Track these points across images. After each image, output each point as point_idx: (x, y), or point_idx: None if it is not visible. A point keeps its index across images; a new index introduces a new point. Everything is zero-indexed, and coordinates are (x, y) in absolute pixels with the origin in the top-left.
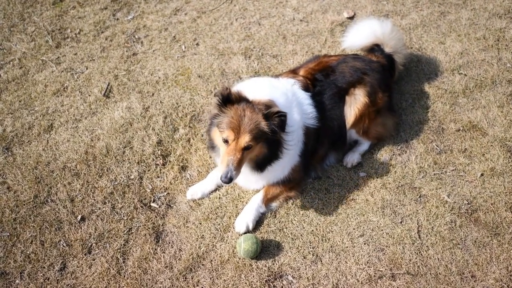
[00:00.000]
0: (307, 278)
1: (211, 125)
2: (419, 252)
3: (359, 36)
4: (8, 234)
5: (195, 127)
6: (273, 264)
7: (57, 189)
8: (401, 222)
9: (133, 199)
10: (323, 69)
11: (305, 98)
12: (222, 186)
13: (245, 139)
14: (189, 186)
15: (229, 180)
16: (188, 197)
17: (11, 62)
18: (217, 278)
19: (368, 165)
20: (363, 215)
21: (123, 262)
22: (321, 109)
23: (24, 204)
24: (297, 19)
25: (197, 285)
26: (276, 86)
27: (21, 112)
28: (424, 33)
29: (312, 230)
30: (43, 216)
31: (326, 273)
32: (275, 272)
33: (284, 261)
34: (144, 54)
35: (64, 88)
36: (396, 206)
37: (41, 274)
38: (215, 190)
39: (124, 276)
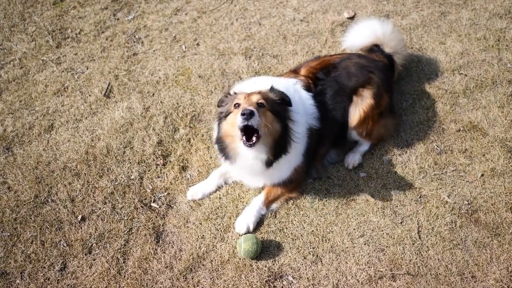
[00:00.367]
0: (307, 278)
1: (220, 120)
2: (419, 253)
3: (359, 36)
4: (8, 234)
5: (196, 127)
6: (273, 264)
7: (57, 189)
8: (401, 223)
9: (134, 199)
10: (324, 67)
11: (307, 98)
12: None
13: (256, 96)
14: (190, 186)
15: (249, 114)
16: (188, 198)
17: (12, 62)
18: (217, 278)
19: (369, 165)
20: (363, 216)
21: (124, 262)
22: (323, 109)
23: (25, 204)
24: (297, 19)
25: (197, 285)
26: (279, 83)
27: (21, 112)
28: (424, 33)
29: (312, 231)
30: (44, 216)
31: (326, 274)
32: (275, 273)
33: (284, 261)
34: (145, 54)
35: (64, 88)
36: (396, 206)
37: (42, 274)
38: (216, 190)
39: (125, 276)
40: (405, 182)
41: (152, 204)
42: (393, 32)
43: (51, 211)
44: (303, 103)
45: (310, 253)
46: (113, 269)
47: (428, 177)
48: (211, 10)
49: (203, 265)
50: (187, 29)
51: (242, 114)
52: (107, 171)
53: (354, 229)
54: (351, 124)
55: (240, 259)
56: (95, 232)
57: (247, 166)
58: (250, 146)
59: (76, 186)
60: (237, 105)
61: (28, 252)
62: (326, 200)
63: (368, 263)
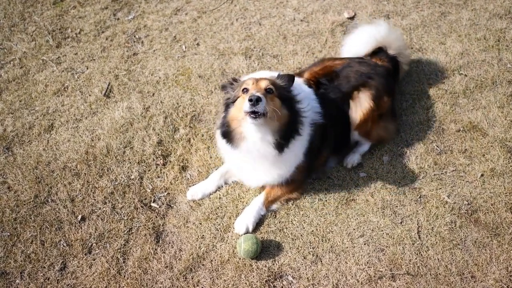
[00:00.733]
0: (307, 278)
1: (228, 106)
2: (419, 253)
3: (359, 44)
4: (8, 234)
5: (196, 127)
6: (273, 264)
7: (57, 189)
8: (401, 223)
9: (134, 199)
10: (327, 73)
11: (309, 92)
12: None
13: (265, 82)
14: (190, 186)
15: (256, 100)
16: (188, 198)
17: (12, 62)
18: (217, 278)
19: (368, 165)
20: (363, 216)
21: (123, 262)
22: (326, 106)
23: (25, 204)
24: (297, 19)
25: (197, 285)
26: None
27: (21, 112)
28: (424, 33)
29: (312, 231)
30: (44, 216)
31: (326, 274)
32: (275, 272)
33: (284, 261)
34: (145, 54)
35: (64, 88)
36: (396, 206)
37: (41, 274)
38: (216, 191)
39: (124, 276)
40: (405, 182)
41: (152, 204)
42: (394, 33)
43: (51, 211)
44: (307, 97)
45: (310, 253)
46: (113, 269)
47: (428, 177)
48: (211, 10)
49: (203, 265)
50: (187, 29)
51: (250, 100)
52: (107, 171)
53: (354, 229)
54: (352, 126)
55: (240, 259)
56: (95, 232)
57: (255, 150)
58: (255, 118)
59: (76, 186)
60: (245, 90)
61: (28, 252)
62: (326, 200)
63: (368, 263)
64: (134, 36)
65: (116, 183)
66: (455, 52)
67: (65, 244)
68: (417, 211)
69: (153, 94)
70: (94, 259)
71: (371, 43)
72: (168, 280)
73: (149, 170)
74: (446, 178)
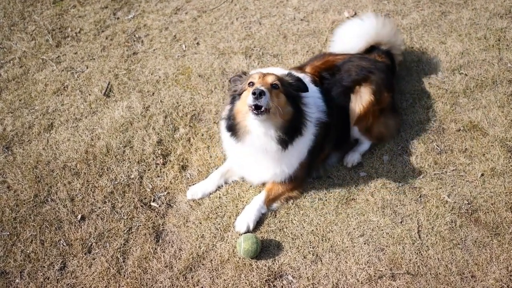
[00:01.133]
0: (307, 277)
1: (234, 98)
2: (419, 252)
3: (350, 42)
4: (8, 233)
5: (196, 126)
6: (273, 263)
7: (57, 188)
8: (401, 222)
9: (133, 198)
10: (329, 67)
11: (315, 91)
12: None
13: (271, 77)
14: (189, 185)
15: (259, 94)
16: (188, 197)
17: (12, 61)
18: (217, 278)
19: (369, 164)
20: (363, 215)
21: (123, 261)
22: (330, 105)
23: (24, 203)
24: (297, 19)
25: (197, 285)
26: (294, 72)
27: (21, 111)
28: (425, 32)
29: (312, 230)
30: (43, 216)
31: (326, 273)
32: (275, 272)
33: (284, 260)
34: (145, 53)
35: (64, 87)
36: (396, 206)
37: (41, 274)
38: (216, 190)
39: (124, 276)
40: (405, 181)
41: (152, 204)
42: (382, 26)
43: (51, 211)
44: (312, 96)
45: (310, 253)
46: (113, 269)
47: (428, 177)
48: (211, 9)
49: (203, 264)
50: (187, 28)
51: (253, 93)
52: (107, 170)
53: (354, 229)
54: (352, 120)
55: (240, 258)
56: (95, 231)
57: (259, 146)
58: (257, 114)
59: (75, 185)
60: (251, 84)
61: (28, 251)
62: (326, 200)
63: (368, 262)
64: (134, 36)
65: (116, 182)
66: (455, 51)
67: (64, 244)
68: (417, 210)
69: (153, 93)
70: (94, 259)
71: (362, 41)
72: (168, 280)
73: (149, 170)
74: (446, 177)
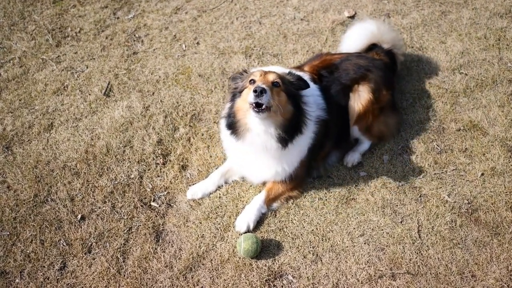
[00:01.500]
0: (307, 277)
1: (234, 96)
2: (419, 252)
3: (355, 41)
4: (8, 233)
5: (196, 126)
6: (273, 263)
7: (57, 188)
8: (401, 222)
9: (133, 198)
10: (327, 66)
11: (315, 89)
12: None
13: (272, 75)
14: (189, 185)
15: (260, 91)
16: (188, 197)
17: (11, 61)
18: (217, 278)
19: (369, 164)
20: (363, 215)
21: (123, 261)
22: (329, 102)
23: (24, 203)
24: (297, 18)
25: (197, 285)
26: (292, 70)
27: (21, 111)
28: (425, 32)
29: (312, 230)
30: (43, 215)
31: (326, 273)
32: (275, 272)
33: (284, 260)
34: (145, 53)
35: (64, 87)
36: (397, 205)
37: (41, 273)
38: (216, 190)
39: (124, 276)
40: (405, 181)
41: (152, 203)
42: (387, 29)
43: (51, 210)
44: (312, 94)
45: (310, 252)
46: (113, 268)
47: (428, 176)
48: (211, 9)
49: (203, 264)
50: (187, 28)
51: (254, 91)
52: (107, 170)
53: (354, 228)
54: (352, 120)
55: (240, 258)
56: (95, 231)
57: (259, 144)
58: (258, 112)
59: (75, 185)
60: (252, 81)
61: (28, 251)
62: (326, 199)
63: (368, 262)
64: (134, 35)
65: (116, 182)
66: (455, 51)
67: (64, 244)
68: (418, 210)
69: (153, 93)
70: (94, 259)
71: (364, 40)
72: (168, 280)
73: (149, 169)
74: (447, 177)
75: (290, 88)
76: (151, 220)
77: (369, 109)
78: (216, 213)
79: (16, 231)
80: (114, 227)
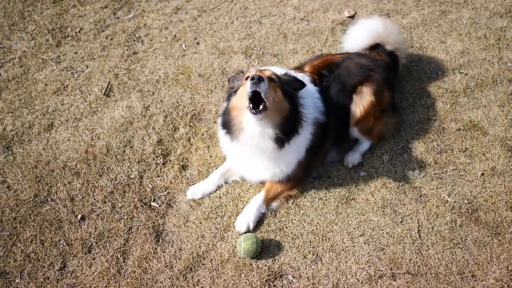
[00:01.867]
0: (307, 277)
1: (230, 95)
2: (420, 252)
3: (358, 39)
4: (8, 233)
5: (196, 126)
6: (273, 263)
7: (57, 188)
8: (401, 222)
9: (133, 198)
10: (327, 65)
11: (314, 91)
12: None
13: (269, 71)
14: (190, 185)
15: (258, 79)
16: (188, 197)
17: (12, 61)
18: (217, 278)
19: (369, 164)
20: (364, 215)
21: (123, 261)
22: (328, 104)
23: (24, 203)
24: (297, 18)
25: (197, 285)
26: (291, 71)
27: (21, 111)
28: (425, 32)
29: (312, 230)
30: (43, 215)
31: (326, 273)
32: (275, 272)
33: (284, 260)
34: (145, 53)
35: (64, 87)
36: (397, 205)
37: (41, 274)
38: (216, 190)
39: (124, 276)
40: (405, 181)
41: (152, 203)
42: (392, 28)
43: (51, 210)
44: (310, 96)
45: (310, 252)
46: (113, 269)
47: (428, 176)
48: (211, 9)
49: (203, 264)
50: (187, 28)
51: (251, 79)
52: (107, 170)
53: (354, 228)
54: (352, 121)
55: (240, 258)
56: (95, 231)
57: (254, 144)
58: (255, 113)
59: (75, 185)
60: (248, 78)
61: (28, 251)
62: (326, 199)
63: (368, 262)
64: (134, 35)
65: (116, 182)
66: (455, 51)
67: (64, 244)
68: (418, 210)
69: (153, 93)
70: (94, 259)
71: (369, 39)
72: (168, 280)
73: (149, 169)
74: (447, 177)
75: (286, 87)
76: (151, 220)
77: (370, 112)
78: (216, 213)
79: (16, 231)
80: (114, 227)
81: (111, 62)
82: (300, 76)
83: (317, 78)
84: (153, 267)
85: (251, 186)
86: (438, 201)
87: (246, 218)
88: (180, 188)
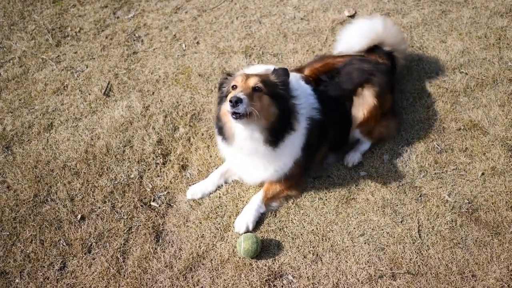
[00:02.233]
0: (307, 277)
1: (220, 102)
2: (420, 252)
3: (354, 40)
4: (8, 233)
5: (196, 126)
6: (273, 263)
7: (57, 188)
8: (401, 222)
9: (133, 198)
10: (328, 70)
11: (307, 88)
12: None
13: (253, 79)
14: (189, 185)
15: (235, 102)
16: (188, 197)
17: (11, 61)
18: (217, 278)
19: (369, 164)
20: (364, 215)
21: (123, 261)
22: (324, 104)
23: (24, 203)
24: (297, 18)
25: (197, 285)
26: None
27: (21, 111)
28: (425, 31)
29: (313, 230)
30: (43, 215)
31: (326, 273)
32: (275, 272)
33: (284, 260)
34: (145, 53)
35: (64, 86)
36: (397, 205)
37: (41, 274)
38: (216, 190)
39: (124, 276)
40: (405, 181)
41: (152, 203)
42: (394, 30)
43: (51, 210)
44: (304, 94)
45: (310, 252)
46: (113, 268)
47: (428, 176)
48: (211, 9)
49: (203, 264)
50: (187, 28)
51: (230, 101)
52: (107, 170)
53: (354, 228)
54: (355, 123)
55: (240, 258)
56: (95, 231)
57: (245, 147)
58: (235, 118)
59: (75, 185)
60: (234, 87)
61: (28, 251)
62: (326, 199)
63: (368, 262)
64: (134, 35)
65: (116, 182)
66: (455, 50)
67: (64, 244)
68: (418, 210)
69: (153, 93)
70: (93, 259)
71: (366, 39)
72: (168, 280)
73: (149, 169)
74: (447, 176)
75: (274, 89)
76: (151, 220)
77: (372, 115)
78: (216, 213)
79: (16, 231)
80: (114, 227)
81: (111, 62)
82: (296, 76)
83: (313, 82)
84: (153, 267)
85: (250, 186)
86: (438, 201)
87: (245, 219)
88: (180, 188)
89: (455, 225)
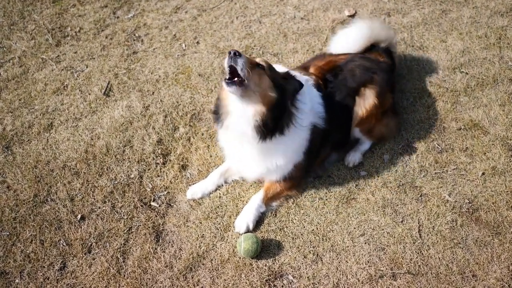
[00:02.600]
0: (308, 277)
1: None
2: (420, 252)
3: (349, 43)
4: (7, 233)
5: (196, 126)
6: (274, 263)
7: (57, 188)
8: (402, 221)
9: (133, 198)
10: (332, 69)
11: (317, 96)
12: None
13: (259, 58)
14: (190, 185)
15: (234, 54)
16: (188, 197)
17: (11, 61)
18: (217, 278)
19: (369, 164)
20: (364, 214)
21: (123, 261)
22: (330, 111)
23: (24, 203)
24: (298, 17)
25: (197, 285)
26: (293, 72)
27: (21, 111)
28: (425, 31)
29: (313, 229)
30: (43, 215)
31: (326, 273)
32: (275, 272)
33: (284, 260)
34: (145, 53)
35: (64, 86)
36: (397, 205)
37: (41, 274)
38: (216, 190)
39: (124, 276)
40: (405, 180)
41: (152, 203)
42: (379, 26)
43: (51, 210)
44: (311, 100)
45: (310, 252)
46: (113, 269)
47: (428, 176)
48: (211, 8)
49: (203, 264)
50: (187, 27)
51: (228, 53)
52: (107, 170)
53: (354, 228)
54: (354, 122)
55: (240, 258)
56: (95, 231)
57: (237, 129)
58: (228, 84)
59: (75, 185)
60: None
61: (28, 251)
62: (326, 199)
63: (368, 262)
64: (134, 35)
65: (116, 182)
66: (456, 50)
67: (64, 244)
68: (418, 209)
69: (153, 92)
70: (93, 259)
71: (360, 42)
72: (168, 280)
73: (149, 169)
74: (447, 176)
75: (277, 78)
76: (151, 220)
77: (373, 113)
78: (216, 213)
79: (16, 231)
80: (114, 227)
81: (111, 62)
82: (304, 79)
83: (321, 84)
84: (153, 267)
85: (251, 185)
86: (438, 201)
87: (245, 218)
88: (180, 188)
89: (456, 225)
